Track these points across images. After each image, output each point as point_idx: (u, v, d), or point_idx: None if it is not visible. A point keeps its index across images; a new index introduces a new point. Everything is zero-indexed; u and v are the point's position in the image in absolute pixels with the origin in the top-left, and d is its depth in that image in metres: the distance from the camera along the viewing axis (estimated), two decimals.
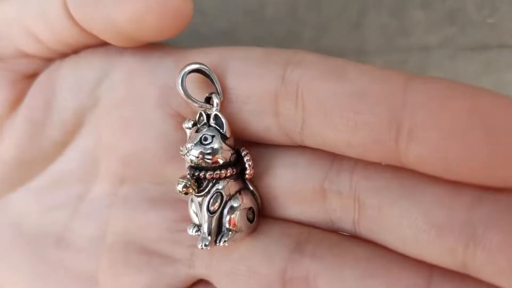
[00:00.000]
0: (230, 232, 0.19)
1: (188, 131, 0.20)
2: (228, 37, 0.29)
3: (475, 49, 0.25)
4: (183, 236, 0.20)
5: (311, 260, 0.18)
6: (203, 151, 0.19)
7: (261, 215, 0.20)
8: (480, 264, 0.15)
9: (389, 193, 0.17)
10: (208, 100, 0.19)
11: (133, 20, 0.19)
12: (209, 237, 0.19)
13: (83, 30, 0.21)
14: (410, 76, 0.16)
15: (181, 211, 0.21)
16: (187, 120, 0.20)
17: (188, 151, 0.19)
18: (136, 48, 0.22)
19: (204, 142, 0.19)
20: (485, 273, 0.15)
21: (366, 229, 0.18)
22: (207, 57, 0.20)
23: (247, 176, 0.19)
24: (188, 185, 0.18)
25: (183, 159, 0.19)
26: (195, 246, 0.20)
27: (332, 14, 0.27)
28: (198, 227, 0.19)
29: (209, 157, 0.19)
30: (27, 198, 0.23)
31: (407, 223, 0.16)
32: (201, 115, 0.19)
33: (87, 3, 0.20)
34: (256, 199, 0.20)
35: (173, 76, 0.20)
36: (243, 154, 0.19)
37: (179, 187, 0.18)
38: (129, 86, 0.22)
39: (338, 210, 0.18)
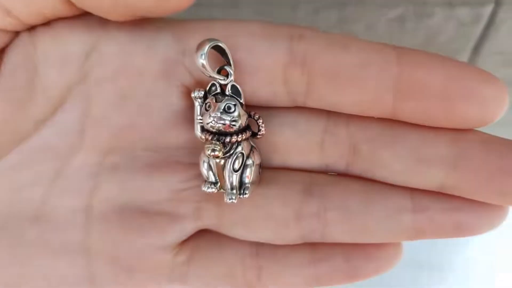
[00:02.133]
0: (249, 185, 0.22)
1: (198, 101, 0.22)
2: None
3: (335, 5, 0.32)
4: (187, 195, 0.23)
5: (320, 198, 0.21)
6: (231, 118, 0.21)
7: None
8: (457, 184, 0.19)
9: (383, 138, 0.20)
10: (219, 71, 0.21)
11: None
12: (235, 192, 0.22)
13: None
14: (399, 49, 0.19)
15: (182, 173, 0.23)
16: (197, 89, 0.22)
17: (215, 119, 0.21)
18: (122, 22, 0.21)
19: (228, 111, 0.21)
20: (461, 191, 0.19)
21: (358, 169, 0.21)
22: (212, 32, 0.21)
23: (258, 136, 0.22)
24: (217, 149, 0.21)
25: (203, 126, 0.21)
26: (200, 201, 0.22)
27: None
28: (214, 184, 0.22)
29: (235, 123, 0.21)
30: None
31: (399, 161, 0.20)
32: (213, 85, 0.22)
33: None
34: (260, 155, 0.23)
35: (175, 50, 0.21)
36: (255, 118, 0.22)
37: (209, 152, 0.21)
38: (124, 60, 0.21)
39: (334, 156, 0.22)
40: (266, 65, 0.20)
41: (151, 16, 0.21)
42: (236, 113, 0.21)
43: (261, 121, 0.22)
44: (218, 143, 0.21)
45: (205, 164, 0.22)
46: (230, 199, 0.21)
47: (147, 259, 0.23)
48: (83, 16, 0.21)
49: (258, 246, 0.23)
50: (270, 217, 0.22)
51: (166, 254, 0.23)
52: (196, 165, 0.23)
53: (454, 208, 0.20)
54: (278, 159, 0.23)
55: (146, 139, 0.22)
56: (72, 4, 0.20)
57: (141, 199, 0.22)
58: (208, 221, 0.23)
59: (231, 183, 0.22)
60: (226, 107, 0.21)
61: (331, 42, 0.20)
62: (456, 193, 0.19)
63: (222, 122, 0.21)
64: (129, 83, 0.22)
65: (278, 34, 0.20)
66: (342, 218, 0.21)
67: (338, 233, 0.21)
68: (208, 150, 0.21)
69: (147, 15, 0.20)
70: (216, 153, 0.21)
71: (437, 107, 0.19)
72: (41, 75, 0.21)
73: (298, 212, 0.22)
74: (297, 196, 0.22)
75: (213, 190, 0.22)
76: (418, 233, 0.20)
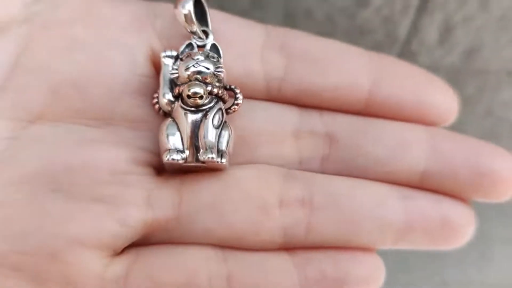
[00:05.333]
0: (227, 153, 0.18)
1: (169, 61, 0.18)
2: None
3: None
4: (134, 180, 0.17)
5: (305, 182, 0.18)
6: (215, 65, 0.18)
7: None
8: (438, 168, 0.18)
9: (360, 124, 0.19)
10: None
11: None
12: (215, 150, 0.17)
13: None
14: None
15: (128, 153, 0.18)
16: (168, 50, 0.18)
17: (197, 63, 0.17)
18: None
19: (212, 59, 0.18)
20: (442, 178, 0.18)
21: (335, 162, 0.19)
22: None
23: (234, 107, 0.18)
24: (200, 89, 0.17)
25: (178, 74, 0.18)
26: (153, 189, 0.18)
27: None
28: (180, 152, 0.17)
29: (220, 70, 0.18)
30: None
31: (380, 145, 0.19)
32: (188, 45, 0.18)
33: None
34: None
35: (145, 9, 0.19)
36: (232, 86, 0.18)
37: (191, 90, 0.17)
38: (85, 6, 0.18)
39: (309, 148, 0.19)
40: (244, 40, 0.19)
41: None
42: (221, 63, 0.18)
43: (238, 90, 0.18)
44: (200, 83, 0.17)
45: (170, 126, 0.17)
46: (208, 157, 0.17)
47: (61, 263, 0.16)
48: None
49: (225, 251, 0.18)
50: (247, 199, 0.18)
51: (95, 261, 0.17)
52: (145, 152, 0.18)
53: (439, 199, 0.19)
54: (247, 153, 0.19)
55: (90, 105, 0.18)
56: None
57: (69, 180, 0.17)
58: (161, 211, 0.17)
59: (211, 141, 0.17)
60: (209, 55, 0.18)
61: (305, 32, 0.20)
62: (438, 184, 0.19)
63: (205, 65, 0.17)
64: (88, 29, 0.17)
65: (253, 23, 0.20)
66: (329, 203, 0.18)
67: (325, 224, 0.18)
68: (190, 88, 0.17)
69: None
70: (198, 89, 0.17)
71: (408, 94, 0.19)
72: None
73: (281, 197, 0.18)
74: (278, 178, 0.18)
75: (179, 158, 0.17)
76: (406, 228, 0.18)
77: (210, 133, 0.17)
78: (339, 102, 0.19)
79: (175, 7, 0.18)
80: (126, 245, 0.17)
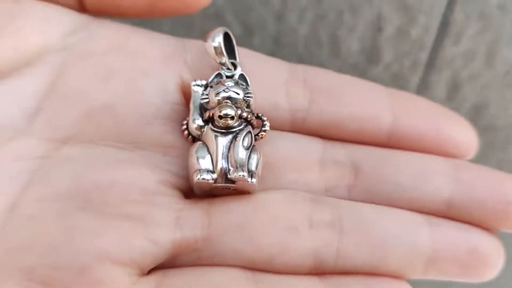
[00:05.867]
0: (256, 173, 0.18)
1: (198, 88, 0.19)
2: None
3: None
4: (164, 201, 0.18)
5: (332, 208, 0.18)
6: (245, 91, 0.18)
7: None
8: (463, 197, 0.19)
9: (383, 154, 0.20)
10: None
11: None
12: (245, 169, 0.18)
13: None
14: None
15: (158, 175, 0.18)
16: (198, 79, 0.19)
17: (228, 88, 0.18)
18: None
19: (241, 86, 0.18)
20: (469, 207, 0.19)
21: (361, 191, 0.19)
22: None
23: (262, 134, 0.19)
24: (231, 110, 0.18)
25: (209, 99, 0.18)
26: (182, 210, 0.18)
27: None
28: (210, 172, 0.17)
29: (249, 96, 0.18)
30: None
31: (404, 174, 0.19)
32: (218, 75, 0.19)
33: None
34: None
35: (175, 44, 0.20)
36: (259, 115, 0.19)
37: (228, 110, 0.18)
38: (119, 40, 0.19)
39: (335, 177, 0.19)
40: (269, 74, 0.20)
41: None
42: (248, 90, 0.19)
43: (265, 118, 0.19)
44: (231, 105, 0.18)
45: (200, 149, 0.18)
46: (240, 174, 0.17)
47: (90, 278, 0.16)
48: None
49: (254, 273, 0.17)
50: (276, 221, 0.18)
51: (123, 277, 0.16)
52: (174, 175, 0.18)
53: (466, 228, 0.19)
54: (272, 180, 0.19)
55: (122, 129, 0.18)
56: None
57: (99, 198, 0.17)
58: (190, 231, 0.17)
59: (241, 160, 0.18)
60: (238, 82, 0.19)
61: (324, 69, 0.21)
62: (464, 213, 0.19)
63: (235, 91, 0.18)
64: (121, 59, 0.18)
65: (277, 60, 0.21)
66: (358, 228, 0.18)
67: (355, 249, 0.18)
68: (222, 110, 0.18)
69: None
70: (230, 111, 0.18)
71: (428, 128, 0.20)
72: (17, 24, 0.18)
73: (310, 219, 0.18)
74: (307, 202, 0.18)
75: (209, 178, 0.17)
76: (434, 256, 0.18)
77: (240, 153, 0.18)
78: (363, 134, 0.20)
79: (205, 40, 0.19)
80: (154, 265, 0.17)
